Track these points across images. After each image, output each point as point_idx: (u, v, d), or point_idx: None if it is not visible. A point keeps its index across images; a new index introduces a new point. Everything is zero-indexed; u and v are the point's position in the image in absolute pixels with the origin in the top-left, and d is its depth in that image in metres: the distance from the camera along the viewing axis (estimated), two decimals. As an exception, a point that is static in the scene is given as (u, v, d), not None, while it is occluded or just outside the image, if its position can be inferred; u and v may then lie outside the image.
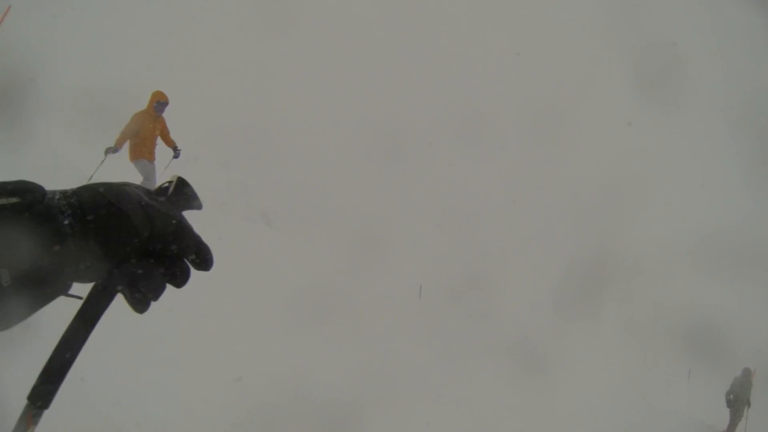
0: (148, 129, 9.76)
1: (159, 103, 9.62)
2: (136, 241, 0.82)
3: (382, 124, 11.84)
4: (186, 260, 0.89)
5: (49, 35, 12.03)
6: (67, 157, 10.53)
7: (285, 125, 12.51)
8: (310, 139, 12.61)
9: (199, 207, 0.97)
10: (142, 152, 9.92)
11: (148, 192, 0.90)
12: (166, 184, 0.95)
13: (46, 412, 0.92)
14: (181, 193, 0.94)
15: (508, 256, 11.60)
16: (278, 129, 12.06)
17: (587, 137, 13.45)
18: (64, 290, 0.80)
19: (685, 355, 9.99)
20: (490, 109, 12.73)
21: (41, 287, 0.75)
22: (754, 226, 11.22)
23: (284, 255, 10.15)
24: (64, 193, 0.82)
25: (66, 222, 0.77)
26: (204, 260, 0.93)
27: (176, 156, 10.27)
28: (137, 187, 0.89)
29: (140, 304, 0.88)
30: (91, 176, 9.15)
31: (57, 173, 10.15)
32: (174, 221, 0.87)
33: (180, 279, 0.89)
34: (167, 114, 10.02)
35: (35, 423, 0.85)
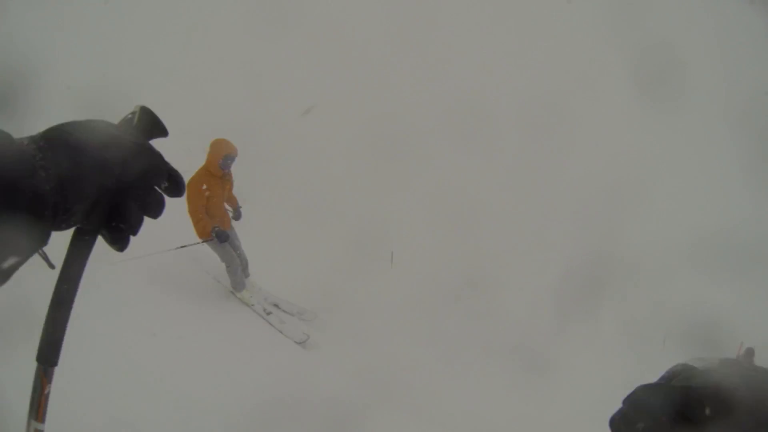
0: (217, 194, 7.62)
1: (227, 157, 7.48)
2: (110, 176, 0.80)
3: (379, 122, 11.82)
4: (158, 189, 0.88)
5: (49, 35, 12.01)
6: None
7: (281, 123, 12.49)
8: (306, 137, 12.60)
9: (165, 134, 0.97)
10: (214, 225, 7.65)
11: (115, 126, 0.88)
12: (130, 115, 0.94)
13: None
14: (147, 121, 0.94)
15: (508, 256, 11.58)
16: (272, 126, 12.04)
17: (587, 137, 13.44)
18: (44, 240, 0.78)
19: (685, 355, 9.98)
20: (488, 109, 12.73)
21: (20, 233, 0.73)
22: (754, 226, 11.22)
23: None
24: (32, 138, 0.79)
25: (39, 164, 0.75)
26: (177, 185, 0.92)
27: (237, 217, 8.28)
28: (102, 121, 0.86)
29: (119, 242, 0.87)
30: None
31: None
32: (145, 149, 0.86)
33: (155, 209, 0.88)
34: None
35: (49, 381, 0.89)
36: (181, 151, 12.20)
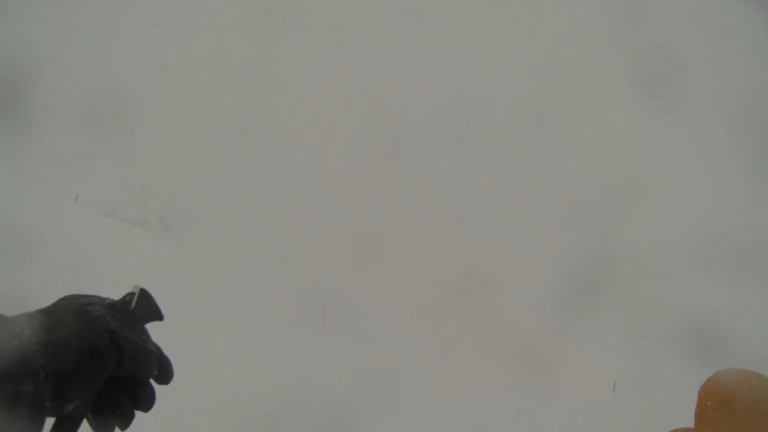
0: None
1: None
2: (106, 375, 0.82)
3: (378, 122, 11.83)
4: (150, 383, 0.90)
5: (48, 35, 12.00)
6: (68, 158, 10.52)
7: (280, 123, 12.50)
8: (305, 137, 12.61)
9: (161, 318, 0.97)
10: None
11: (111, 308, 0.89)
12: (128, 297, 0.94)
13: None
14: (144, 307, 0.94)
15: (508, 256, 11.58)
16: (271, 126, 12.05)
17: (587, 137, 13.44)
18: (40, 427, 0.80)
19: (686, 355, 9.99)
20: (489, 109, 12.74)
21: (15, 422, 0.77)
22: (754, 227, 11.21)
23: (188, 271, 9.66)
24: (32, 326, 0.80)
25: (40, 363, 0.80)
26: (165, 375, 0.95)
27: None
28: (101, 304, 0.87)
29: (105, 430, 0.88)
30: None
31: (57, 173, 10.12)
32: (142, 348, 0.87)
33: (146, 404, 0.90)
34: None
35: None
36: (180, 151, 12.19)
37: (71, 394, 0.84)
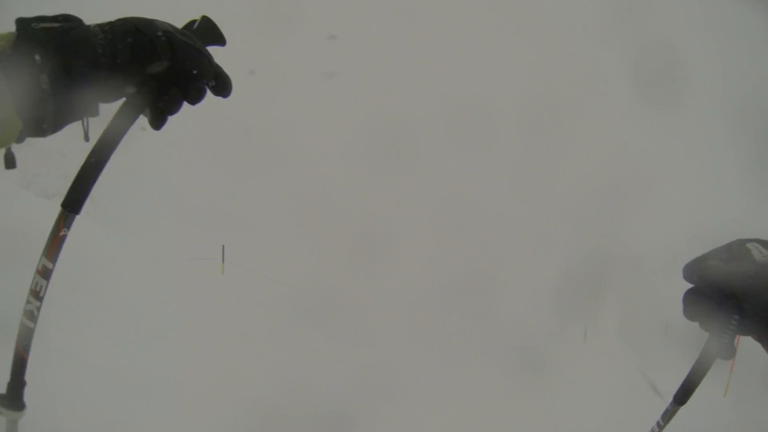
0: None
1: None
2: (159, 65, 0.91)
3: (380, 123, 11.84)
4: (204, 83, 0.98)
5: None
6: (66, 155, 10.53)
7: (281, 124, 12.52)
8: (307, 138, 12.62)
9: (222, 42, 1.07)
10: None
11: (175, 27, 0.99)
12: (193, 21, 1.05)
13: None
14: (206, 28, 1.05)
15: (508, 256, 11.60)
16: (272, 127, 12.07)
17: (587, 137, 13.45)
18: (94, 109, 0.94)
19: (685, 355, 10.01)
20: (489, 109, 12.74)
21: (75, 97, 0.89)
22: (753, 225, 11.24)
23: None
24: (100, 24, 0.95)
25: (99, 42, 0.91)
26: (223, 86, 1.03)
27: None
28: (167, 23, 0.97)
29: (157, 119, 0.97)
30: None
31: (55, 170, 10.13)
32: (193, 47, 0.96)
33: (194, 97, 0.98)
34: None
35: (67, 227, 0.99)
36: (181, 153, 12.21)
37: (125, 73, 0.93)
